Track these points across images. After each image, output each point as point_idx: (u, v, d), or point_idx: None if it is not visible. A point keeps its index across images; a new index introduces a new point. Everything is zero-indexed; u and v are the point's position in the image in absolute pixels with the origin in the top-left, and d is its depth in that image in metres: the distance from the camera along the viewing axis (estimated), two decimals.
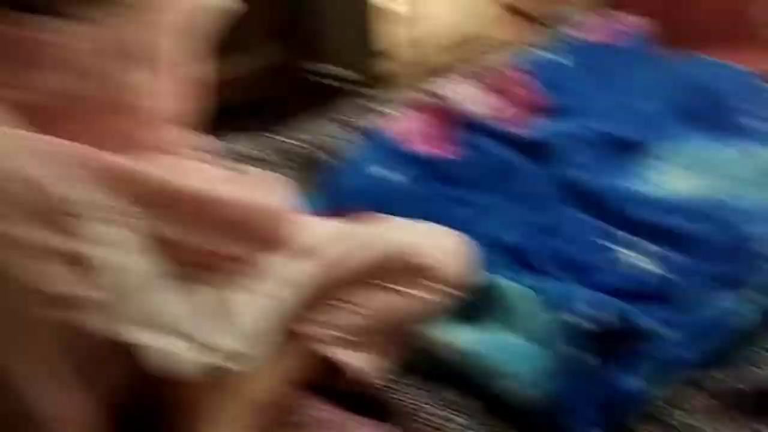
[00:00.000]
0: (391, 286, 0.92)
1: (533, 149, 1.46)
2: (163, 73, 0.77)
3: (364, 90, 1.70)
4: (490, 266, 1.10)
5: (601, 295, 1.05)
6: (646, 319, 1.01)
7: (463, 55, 1.86)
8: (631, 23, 1.82)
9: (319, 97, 1.65)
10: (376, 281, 0.92)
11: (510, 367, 0.99)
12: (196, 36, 0.82)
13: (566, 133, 1.52)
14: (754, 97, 1.56)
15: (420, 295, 0.95)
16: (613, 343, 0.98)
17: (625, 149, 1.49)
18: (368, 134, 1.51)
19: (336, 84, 1.72)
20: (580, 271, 1.14)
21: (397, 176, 1.40)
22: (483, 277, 1.08)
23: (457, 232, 1.03)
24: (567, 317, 1.00)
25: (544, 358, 0.99)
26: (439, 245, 0.98)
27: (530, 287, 1.08)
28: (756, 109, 1.52)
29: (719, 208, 1.26)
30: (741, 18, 1.78)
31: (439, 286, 0.96)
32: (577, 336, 0.99)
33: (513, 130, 1.51)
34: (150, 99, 0.77)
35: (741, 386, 0.97)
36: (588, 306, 1.01)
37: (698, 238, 1.19)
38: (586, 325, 0.99)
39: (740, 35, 1.74)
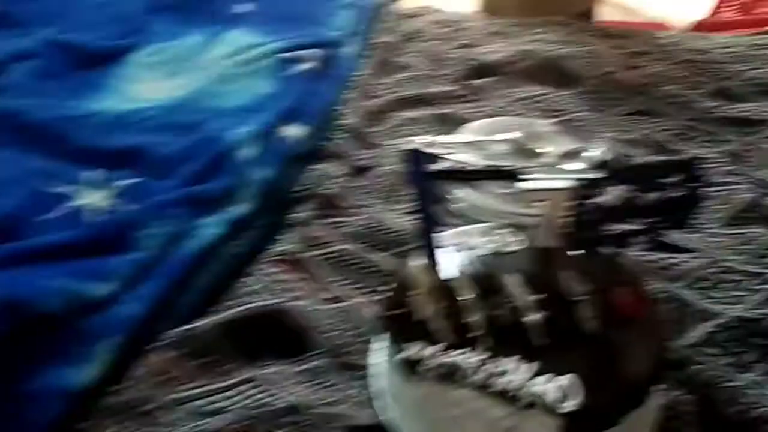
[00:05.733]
0: None
1: None
2: None
3: None
4: None
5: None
6: (100, 285, 0.75)
7: None
8: None
9: None
10: None
11: None
12: None
13: (6, 52, 1.18)
14: None
15: None
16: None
17: (95, 61, 1.20)
18: None
19: None
20: (16, 235, 0.83)
21: None
22: None
23: None
24: None
25: None
26: None
27: None
28: None
29: (195, 113, 1.05)
30: None
31: None
32: None
33: None
34: None
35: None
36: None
37: (169, 155, 0.96)
38: None
39: None
